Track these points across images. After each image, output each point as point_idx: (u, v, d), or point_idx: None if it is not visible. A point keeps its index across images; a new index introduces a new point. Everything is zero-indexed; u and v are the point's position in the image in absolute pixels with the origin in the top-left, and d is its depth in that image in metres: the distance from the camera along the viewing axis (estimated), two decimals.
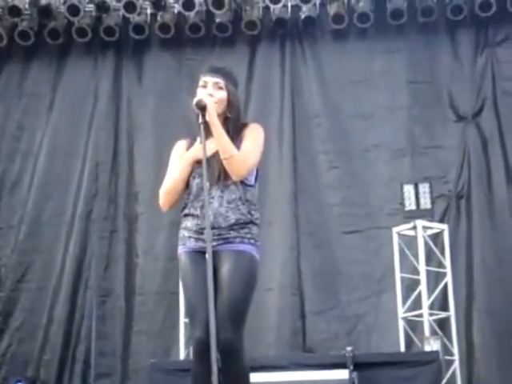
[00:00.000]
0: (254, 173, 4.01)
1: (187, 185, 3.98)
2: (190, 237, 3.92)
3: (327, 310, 8.89)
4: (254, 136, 3.98)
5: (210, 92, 3.94)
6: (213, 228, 3.76)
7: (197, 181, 3.93)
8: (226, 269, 3.77)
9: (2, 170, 9.60)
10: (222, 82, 3.96)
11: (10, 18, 9.43)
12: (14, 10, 9.36)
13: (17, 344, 8.98)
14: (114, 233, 9.32)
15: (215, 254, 3.74)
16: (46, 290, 9.13)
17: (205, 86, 3.97)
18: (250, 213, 3.91)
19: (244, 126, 4.03)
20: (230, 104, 3.97)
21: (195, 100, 3.87)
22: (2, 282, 9.16)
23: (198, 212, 3.90)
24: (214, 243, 3.76)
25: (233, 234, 3.83)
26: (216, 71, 4.00)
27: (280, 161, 9.27)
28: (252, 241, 3.88)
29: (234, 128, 3.96)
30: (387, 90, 9.44)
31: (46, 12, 9.47)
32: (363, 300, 8.81)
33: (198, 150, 3.90)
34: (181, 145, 4.12)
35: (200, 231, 3.86)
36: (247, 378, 3.79)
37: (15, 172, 9.60)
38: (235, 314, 3.71)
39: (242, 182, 3.92)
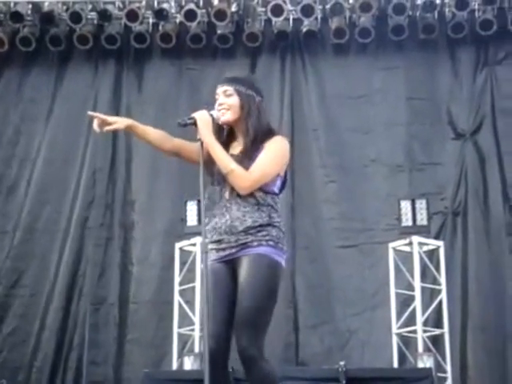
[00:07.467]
0: (278, 183, 3.90)
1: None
2: (211, 249, 3.87)
3: (321, 324, 8.88)
4: (270, 148, 3.86)
5: (221, 101, 3.94)
6: (231, 234, 3.78)
7: (216, 187, 3.89)
8: (242, 275, 3.75)
9: None
10: (230, 89, 3.93)
11: (12, 23, 9.45)
12: (16, 16, 9.39)
13: (8, 350, 8.93)
14: (110, 240, 9.29)
15: (235, 261, 3.79)
16: (40, 297, 9.09)
17: (218, 98, 3.97)
18: (269, 215, 3.82)
19: (269, 137, 3.91)
20: (243, 107, 3.92)
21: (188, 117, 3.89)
22: None
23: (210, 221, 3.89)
24: (233, 250, 3.79)
25: (250, 238, 3.76)
26: (225, 81, 3.99)
27: None
28: (271, 243, 3.77)
29: (256, 133, 3.89)
30: (386, 105, 9.46)
31: (48, 18, 9.48)
32: (357, 315, 8.79)
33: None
34: None
35: (216, 241, 3.84)
36: None
37: (11, 177, 9.55)
38: (249, 322, 3.70)
39: (261, 189, 3.83)
